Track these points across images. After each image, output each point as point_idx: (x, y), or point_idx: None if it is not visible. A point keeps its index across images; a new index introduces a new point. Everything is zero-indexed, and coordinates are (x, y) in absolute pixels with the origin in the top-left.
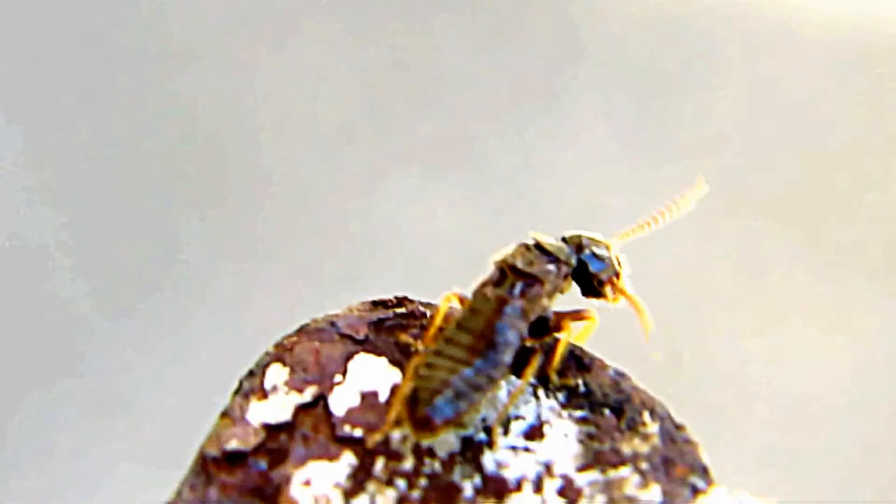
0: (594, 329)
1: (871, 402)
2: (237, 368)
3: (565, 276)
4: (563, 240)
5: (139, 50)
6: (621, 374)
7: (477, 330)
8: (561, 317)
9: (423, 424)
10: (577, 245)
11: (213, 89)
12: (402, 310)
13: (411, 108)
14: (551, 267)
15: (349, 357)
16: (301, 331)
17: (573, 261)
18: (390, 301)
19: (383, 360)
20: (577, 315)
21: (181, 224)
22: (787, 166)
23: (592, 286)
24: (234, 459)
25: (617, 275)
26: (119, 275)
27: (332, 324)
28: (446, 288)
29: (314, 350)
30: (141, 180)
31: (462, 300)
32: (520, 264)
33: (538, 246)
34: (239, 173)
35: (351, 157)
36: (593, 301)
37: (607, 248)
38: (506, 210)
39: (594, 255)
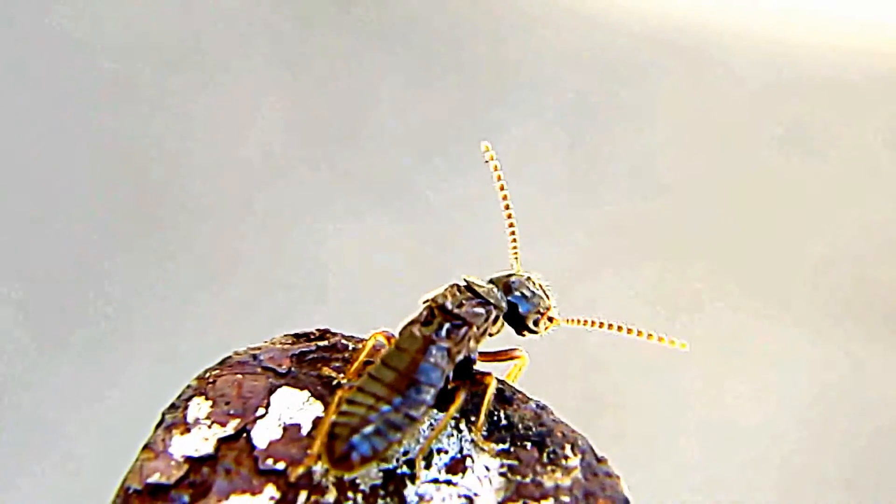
0: (524, 368)
1: (792, 437)
2: (163, 401)
3: (495, 320)
4: (491, 281)
5: (70, 79)
6: (542, 407)
7: (401, 368)
8: (490, 357)
9: (341, 461)
10: (506, 287)
11: (144, 122)
12: (324, 342)
13: (343, 142)
14: (480, 310)
15: (272, 390)
16: (223, 363)
17: (503, 304)
18: (312, 333)
19: (305, 394)
20: (505, 355)
21: (107, 256)
22: (719, 205)
23: (524, 325)
24: (156, 493)
25: (547, 308)
26: (46, 307)
27: (255, 356)
28: (378, 325)
29: (237, 383)
30: (69, 211)
31: (389, 339)
32: (449, 305)
33: (469, 288)
34: (168, 207)
35: (283, 191)
36: (528, 336)
37: (533, 282)
38: (439, 247)
39: (523, 295)
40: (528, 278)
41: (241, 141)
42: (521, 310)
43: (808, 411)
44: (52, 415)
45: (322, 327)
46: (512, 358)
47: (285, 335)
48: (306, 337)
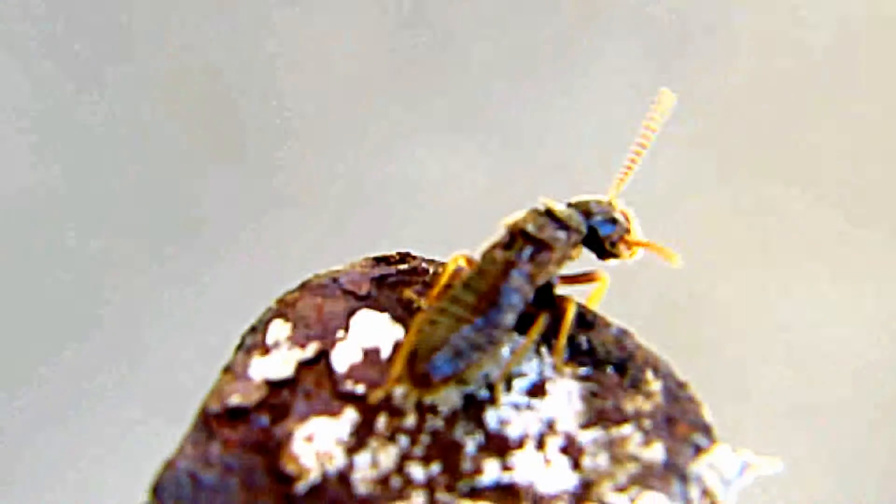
0: (605, 290)
1: (883, 362)
2: (244, 325)
3: (575, 244)
4: (571, 206)
5: (156, 1)
6: (624, 332)
7: (482, 290)
8: (570, 280)
9: (422, 381)
10: (586, 212)
11: (231, 46)
12: (404, 266)
13: (430, 69)
14: (561, 234)
15: (352, 313)
16: (303, 286)
17: (584, 228)
18: (392, 257)
19: (386, 316)
20: (586, 277)
21: (196, 178)
22: (809, 125)
23: (606, 250)
24: (235, 415)
25: (628, 231)
26: (132, 229)
27: (335, 280)
28: (461, 249)
29: (317, 306)
30: (157, 135)
31: (470, 262)
32: (530, 229)
33: (549, 212)
34: (256, 130)
35: (369, 116)
36: (611, 262)
37: (612, 206)
38: (523, 172)
39: (604, 219)
40: (609, 203)
41: (328, 67)
42: (601, 233)
43: None
44: (138, 334)
45: (403, 251)
46: (592, 280)
47: (365, 258)
48: (386, 260)
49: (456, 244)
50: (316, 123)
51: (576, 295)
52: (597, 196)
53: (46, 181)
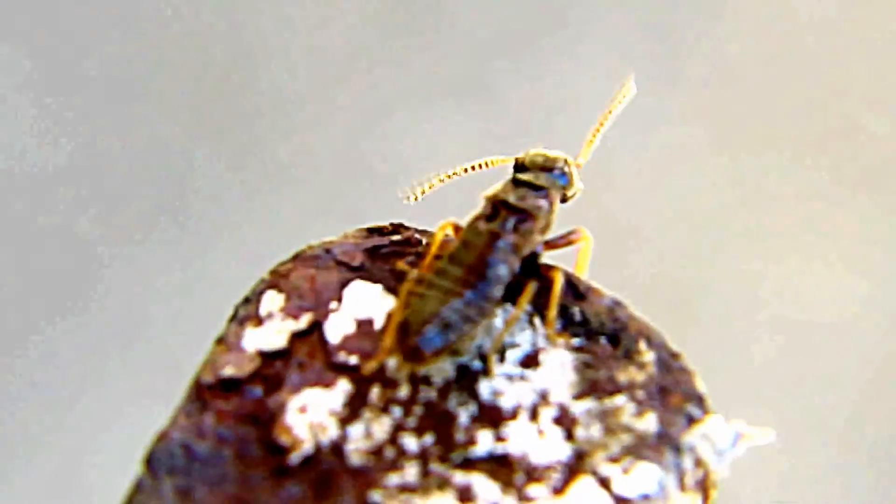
0: (590, 252)
1: (876, 333)
2: (237, 296)
3: (554, 210)
4: (524, 168)
5: None
6: (617, 303)
7: (469, 262)
8: (552, 245)
9: (413, 354)
10: (545, 168)
11: (222, 17)
12: (397, 237)
13: (423, 39)
14: (543, 202)
15: (345, 284)
16: (296, 258)
17: (560, 191)
18: (386, 228)
19: (379, 288)
20: (567, 239)
21: (188, 153)
22: (804, 95)
23: (566, 199)
24: (229, 386)
25: (572, 172)
26: (125, 202)
27: (328, 251)
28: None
29: (310, 277)
30: (148, 109)
31: (458, 230)
32: (512, 199)
33: (527, 182)
34: (246, 103)
35: (360, 88)
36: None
37: (549, 155)
38: (514, 142)
39: (562, 172)
40: (543, 154)
41: (320, 36)
42: (567, 189)
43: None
44: (132, 306)
45: (396, 221)
46: (575, 240)
47: (358, 229)
48: (379, 231)
49: (449, 214)
50: (306, 95)
51: (564, 261)
52: (540, 150)
53: (36, 160)
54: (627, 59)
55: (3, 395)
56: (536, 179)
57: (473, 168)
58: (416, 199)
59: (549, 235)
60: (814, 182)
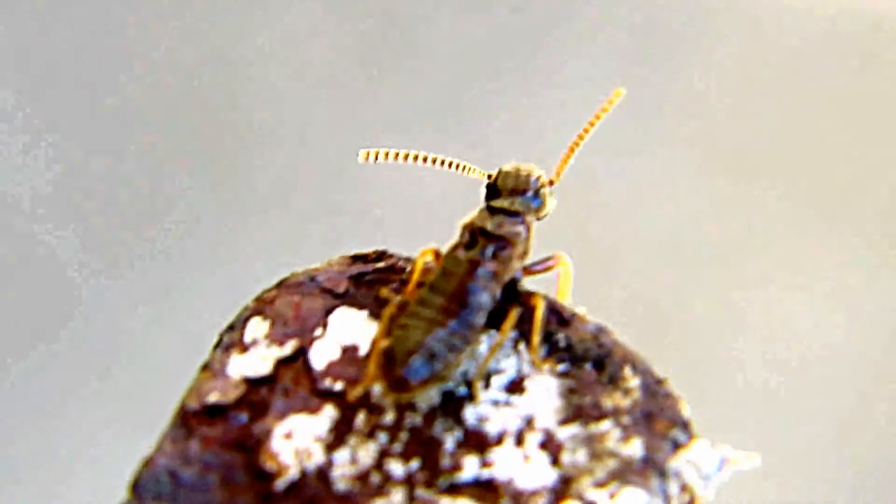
0: (570, 277)
1: (859, 360)
2: (222, 324)
3: (530, 236)
4: (497, 189)
5: (130, 3)
6: (602, 329)
7: (450, 291)
8: (532, 271)
9: (399, 385)
10: (517, 191)
11: (203, 43)
12: (381, 264)
13: (398, 65)
14: (520, 228)
15: (329, 311)
16: (281, 284)
17: (535, 212)
18: (370, 255)
19: (363, 314)
20: (546, 265)
21: (167, 180)
22: (782, 126)
23: (540, 217)
24: (214, 413)
25: (547, 191)
26: (104, 231)
27: (312, 278)
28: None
29: (294, 304)
30: (129, 137)
31: (438, 256)
32: (490, 227)
33: (502, 210)
34: (227, 130)
35: (340, 115)
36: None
37: (523, 171)
38: (497, 163)
39: (535, 193)
40: (517, 169)
41: (301, 63)
42: (540, 210)
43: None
44: (114, 331)
45: (380, 249)
46: (553, 266)
47: (342, 256)
48: (363, 258)
49: (432, 241)
50: (286, 123)
51: (546, 286)
52: (514, 165)
53: (21, 180)
54: (609, 83)
55: None
56: (511, 205)
57: (445, 164)
58: (374, 159)
59: (528, 261)
60: (797, 208)
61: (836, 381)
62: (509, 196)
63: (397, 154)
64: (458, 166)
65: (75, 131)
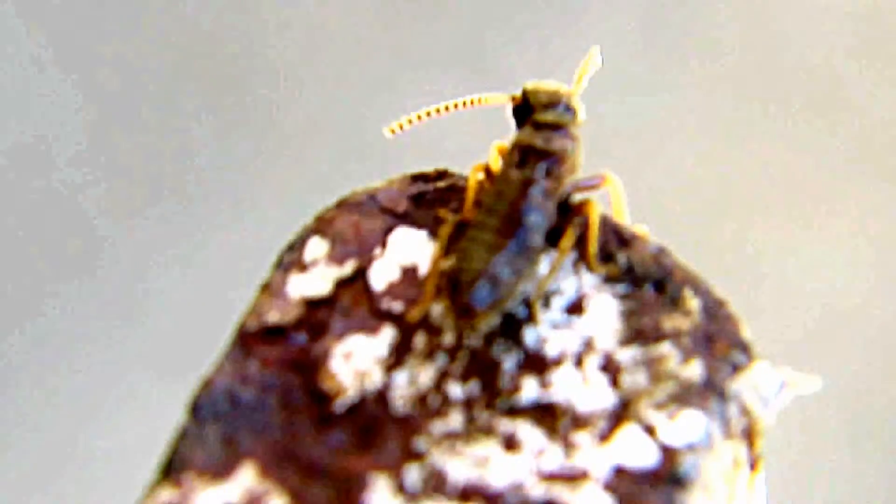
0: (621, 194)
1: (885, 311)
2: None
3: (575, 142)
4: (530, 106)
5: None
6: (662, 250)
7: (505, 212)
8: (580, 187)
9: (466, 312)
10: (565, 105)
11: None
12: (442, 183)
13: (419, 11)
14: (568, 141)
15: (389, 230)
16: (341, 204)
17: (569, 117)
18: (430, 174)
19: (423, 234)
20: (593, 184)
21: (193, 124)
22: (809, 69)
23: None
24: (273, 333)
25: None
26: (131, 177)
27: (372, 198)
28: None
29: (354, 223)
30: (153, 81)
31: (489, 172)
32: (539, 143)
33: (546, 124)
34: (253, 74)
35: (365, 58)
36: None
37: (549, 86)
38: None
39: (568, 106)
40: (543, 89)
41: (320, 9)
42: (575, 119)
43: None
44: (141, 287)
45: (441, 167)
46: (599, 185)
47: (402, 176)
48: (424, 178)
49: (466, 169)
50: (307, 68)
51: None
52: (535, 82)
53: (47, 127)
54: (627, 29)
55: (12, 360)
56: (557, 118)
57: (465, 104)
58: (400, 129)
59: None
60: (818, 157)
61: (865, 329)
62: (544, 111)
63: (419, 116)
64: (480, 101)
65: (102, 77)
